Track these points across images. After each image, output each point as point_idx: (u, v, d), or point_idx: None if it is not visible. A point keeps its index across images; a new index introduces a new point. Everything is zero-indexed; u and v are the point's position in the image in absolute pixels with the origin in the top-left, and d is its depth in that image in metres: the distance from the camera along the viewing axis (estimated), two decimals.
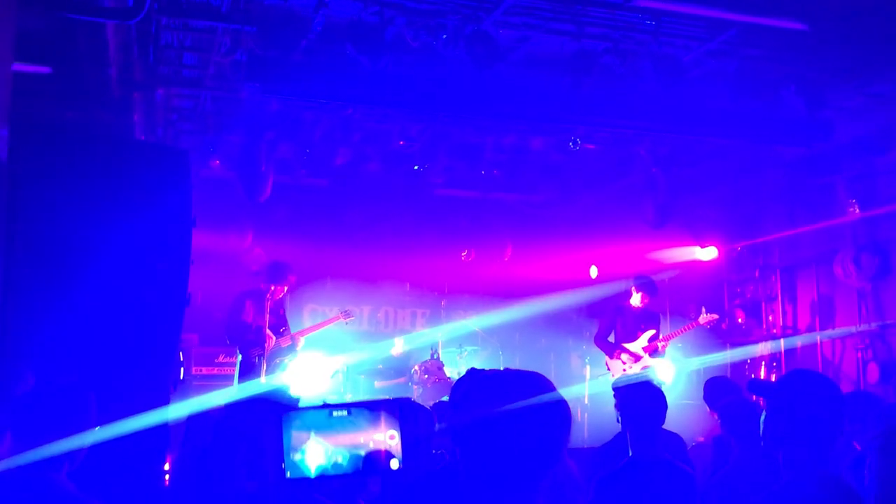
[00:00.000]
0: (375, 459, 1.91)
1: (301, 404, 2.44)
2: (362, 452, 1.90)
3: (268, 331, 8.01)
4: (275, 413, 1.92)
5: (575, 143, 7.97)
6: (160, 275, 3.97)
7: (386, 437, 1.91)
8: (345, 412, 1.92)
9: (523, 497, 1.80)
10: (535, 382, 1.89)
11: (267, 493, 1.94)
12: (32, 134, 3.75)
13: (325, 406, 1.94)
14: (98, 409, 2.63)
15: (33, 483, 2.32)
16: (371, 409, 1.94)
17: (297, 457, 1.87)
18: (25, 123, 3.75)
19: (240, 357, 8.27)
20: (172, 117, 8.23)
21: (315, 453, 1.88)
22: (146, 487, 3.68)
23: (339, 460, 1.89)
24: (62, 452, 2.35)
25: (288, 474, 1.87)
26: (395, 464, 1.89)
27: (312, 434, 1.89)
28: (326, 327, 8.95)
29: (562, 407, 1.86)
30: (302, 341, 8.47)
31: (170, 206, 4.05)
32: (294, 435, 1.88)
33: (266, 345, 7.96)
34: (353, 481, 1.98)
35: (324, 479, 1.88)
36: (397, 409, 1.94)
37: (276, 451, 1.87)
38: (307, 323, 9.25)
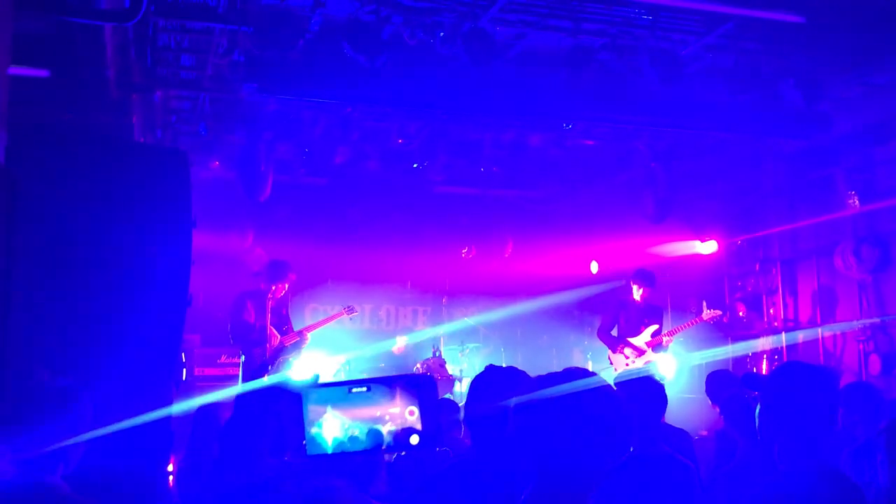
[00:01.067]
0: (395, 436, 1.91)
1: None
2: (379, 427, 1.90)
3: (272, 329, 8.02)
4: (286, 395, 1.93)
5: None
6: (161, 276, 3.97)
7: (405, 413, 1.91)
8: (364, 388, 1.93)
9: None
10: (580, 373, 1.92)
11: (287, 469, 1.95)
12: (30, 137, 3.75)
13: (345, 383, 1.95)
14: (99, 411, 2.63)
15: (27, 485, 2.33)
16: (389, 384, 1.94)
17: (314, 430, 1.87)
18: (23, 127, 3.75)
19: (243, 357, 8.27)
20: (171, 119, 8.24)
21: (332, 427, 1.89)
22: (150, 489, 3.69)
23: (356, 434, 1.89)
24: (56, 454, 2.36)
25: (307, 449, 1.87)
26: (415, 439, 1.90)
27: (329, 408, 1.89)
28: (329, 325, 8.92)
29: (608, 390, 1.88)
30: (309, 337, 8.48)
31: (169, 208, 4.05)
32: (311, 409, 1.88)
33: (270, 343, 7.97)
34: (373, 458, 1.98)
35: (343, 455, 1.88)
36: (415, 385, 1.94)
37: (297, 427, 1.87)
38: (309, 322, 9.27)
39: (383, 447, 1.91)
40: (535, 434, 1.83)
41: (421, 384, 1.94)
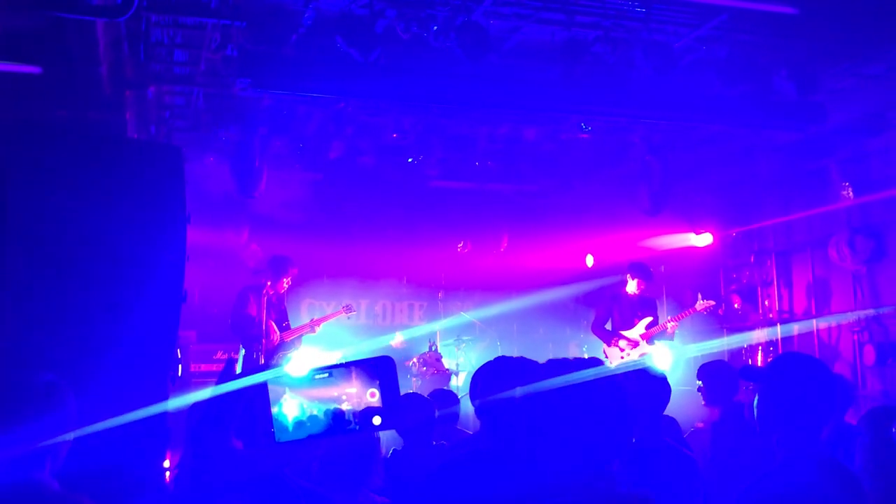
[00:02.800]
0: (358, 417, 1.94)
1: None
2: (338, 406, 1.93)
3: (272, 325, 8.05)
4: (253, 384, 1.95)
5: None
6: (156, 272, 3.96)
7: (366, 394, 1.95)
8: (326, 374, 1.96)
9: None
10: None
11: (256, 456, 1.96)
12: (24, 134, 3.74)
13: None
14: (95, 407, 2.63)
15: (15, 482, 2.32)
16: (348, 367, 1.98)
17: (273, 410, 1.91)
18: (16, 123, 3.74)
19: (242, 352, 8.27)
20: (165, 115, 8.22)
21: (290, 407, 1.92)
22: (146, 485, 3.69)
23: (315, 413, 1.93)
24: (42, 451, 2.35)
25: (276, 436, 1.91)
26: (377, 420, 1.93)
27: (287, 389, 1.93)
28: (326, 321, 8.93)
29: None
30: (317, 330, 8.53)
31: (164, 204, 4.05)
32: (270, 389, 1.92)
33: (270, 339, 7.99)
34: (340, 441, 2.02)
35: (310, 439, 1.91)
36: (374, 367, 1.97)
37: (264, 412, 1.90)
38: (305, 319, 9.27)
39: (349, 424, 1.93)
40: (543, 422, 1.87)
41: (380, 365, 1.98)
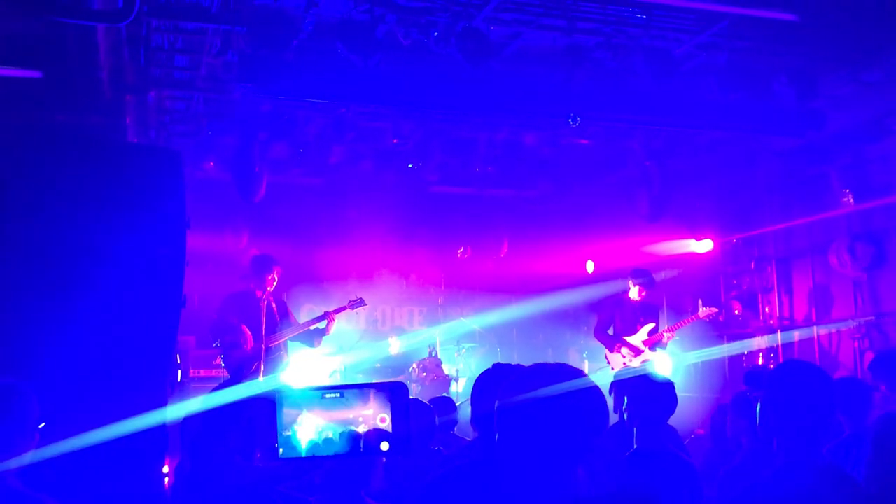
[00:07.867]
0: (367, 441, 1.94)
1: None
2: (353, 428, 1.93)
3: (246, 329, 7.73)
4: (260, 398, 1.95)
5: (574, 119, 7.78)
6: (155, 277, 3.96)
7: (376, 419, 1.95)
8: (337, 394, 1.96)
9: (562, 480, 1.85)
10: (567, 371, 1.98)
11: (260, 472, 1.96)
12: (24, 138, 3.74)
13: (319, 388, 1.98)
14: (94, 412, 2.63)
15: None
16: (362, 389, 1.98)
17: (287, 433, 1.91)
18: (16, 128, 3.75)
19: (223, 363, 8.09)
20: (165, 119, 8.22)
21: (306, 429, 1.93)
22: (145, 490, 3.68)
23: (330, 436, 1.93)
24: (5, 454, 2.36)
25: (280, 452, 1.90)
26: (385, 446, 1.93)
27: (304, 411, 1.93)
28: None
29: (594, 392, 1.93)
30: (335, 320, 8.11)
31: (164, 208, 4.05)
32: (286, 412, 1.92)
33: (249, 346, 7.70)
34: (345, 463, 2.00)
35: (316, 459, 1.91)
36: (388, 392, 1.98)
37: (270, 429, 1.90)
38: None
39: (361, 448, 1.93)
40: (518, 433, 1.88)
41: (393, 391, 1.98)
